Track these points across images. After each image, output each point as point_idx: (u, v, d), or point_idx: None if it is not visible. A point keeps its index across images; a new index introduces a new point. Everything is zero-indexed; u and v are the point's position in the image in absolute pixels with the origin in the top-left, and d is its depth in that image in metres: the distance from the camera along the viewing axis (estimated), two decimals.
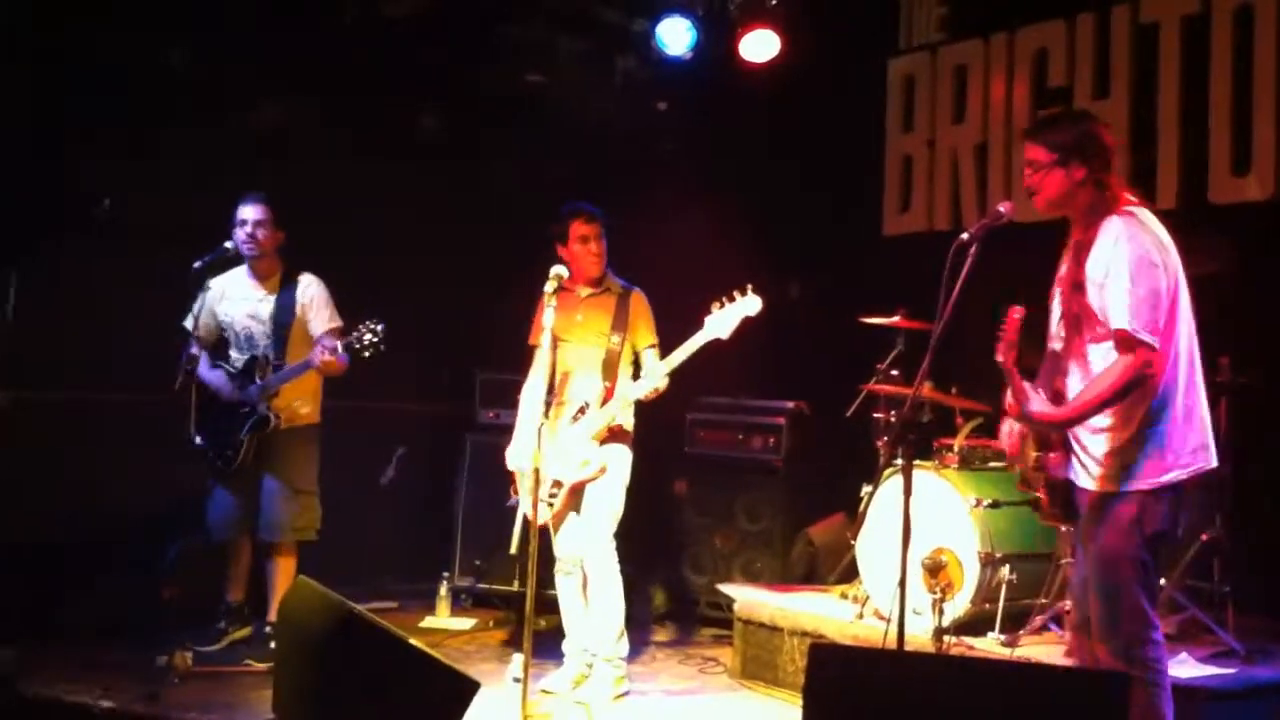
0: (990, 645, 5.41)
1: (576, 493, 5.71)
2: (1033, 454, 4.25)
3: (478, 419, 7.67)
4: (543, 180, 7.78)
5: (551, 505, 5.68)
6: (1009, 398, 4.19)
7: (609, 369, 5.74)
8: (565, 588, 5.86)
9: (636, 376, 5.79)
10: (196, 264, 5.91)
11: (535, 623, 5.12)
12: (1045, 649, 5.26)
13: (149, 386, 6.15)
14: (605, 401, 5.67)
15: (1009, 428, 4.38)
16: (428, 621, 7.10)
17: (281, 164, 6.96)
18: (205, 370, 6.15)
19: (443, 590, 7.20)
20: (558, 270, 5.44)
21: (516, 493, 5.75)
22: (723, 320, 5.49)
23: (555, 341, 5.49)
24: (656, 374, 5.60)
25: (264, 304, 6.23)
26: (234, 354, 6.25)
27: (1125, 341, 3.92)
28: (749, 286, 5.51)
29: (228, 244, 6.08)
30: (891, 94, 7.85)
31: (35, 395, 6.49)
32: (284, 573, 6.13)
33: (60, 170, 6.60)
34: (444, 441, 7.81)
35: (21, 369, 6.33)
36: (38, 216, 6.47)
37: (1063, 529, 4.24)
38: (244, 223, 6.13)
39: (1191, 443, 4.04)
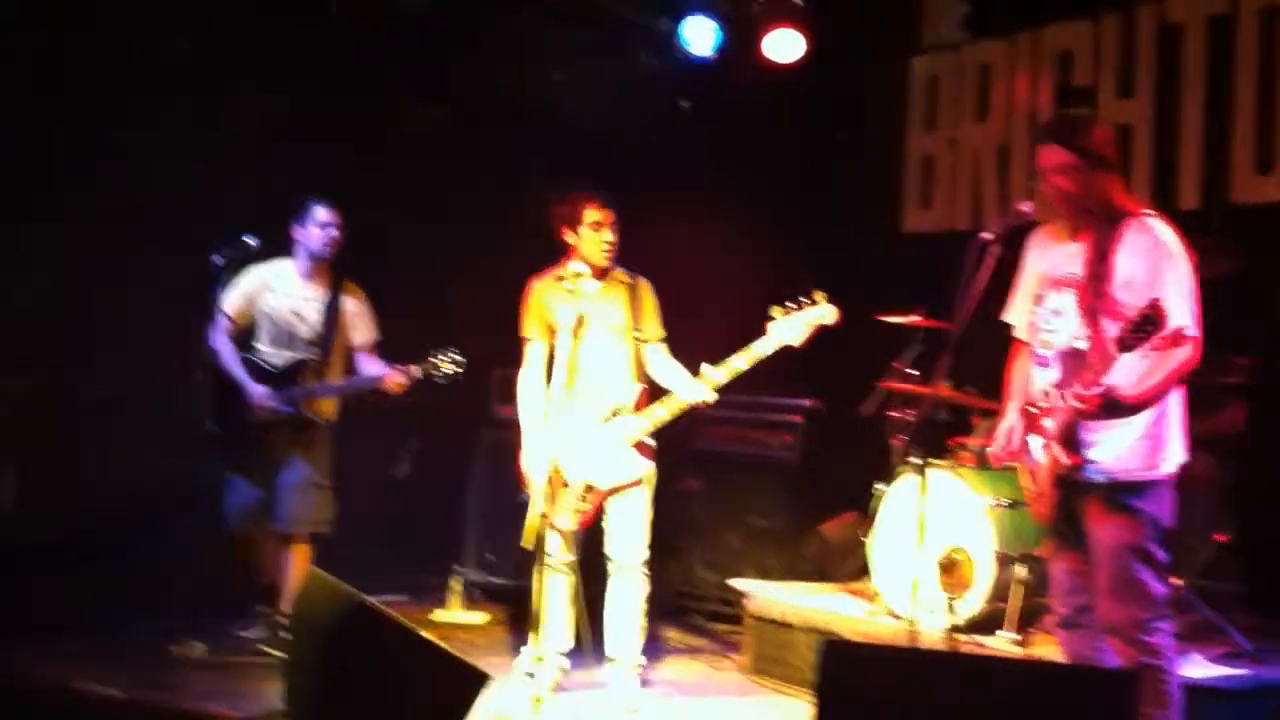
0: (1002, 644, 5.39)
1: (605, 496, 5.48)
2: (1024, 439, 4.20)
3: (492, 414, 7.66)
4: (558, 178, 7.75)
5: (583, 511, 5.44)
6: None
7: (640, 369, 5.53)
8: (559, 589, 5.45)
9: None
10: (218, 258, 5.90)
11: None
12: (1058, 648, 5.23)
13: (144, 375, 6.18)
14: (640, 404, 5.46)
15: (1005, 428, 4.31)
16: (439, 615, 7.10)
17: (283, 159, 6.97)
18: (251, 384, 6.03)
19: (454, 584, 7.19)
20: (576, 266, 5.28)
21: (526, 488, 5.49)
22: (791, 326, 5.16)
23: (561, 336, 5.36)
24: (709, 384, 5.26)
25: (310, 304, 6.21)
26: (266, 346, 6.18)
27: (1182, 338, 3.89)
28: (820, 294, 5.19)
29: (250, 240, 6.07)
30: (914, 92, 7.83)
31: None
32: (300, 564, 6.13)
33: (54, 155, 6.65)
34: (458, 436, 7.80)
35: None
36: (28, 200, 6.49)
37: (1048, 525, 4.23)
38: (327, 225, 6.16)
39: (1183, 438, 4.11)
